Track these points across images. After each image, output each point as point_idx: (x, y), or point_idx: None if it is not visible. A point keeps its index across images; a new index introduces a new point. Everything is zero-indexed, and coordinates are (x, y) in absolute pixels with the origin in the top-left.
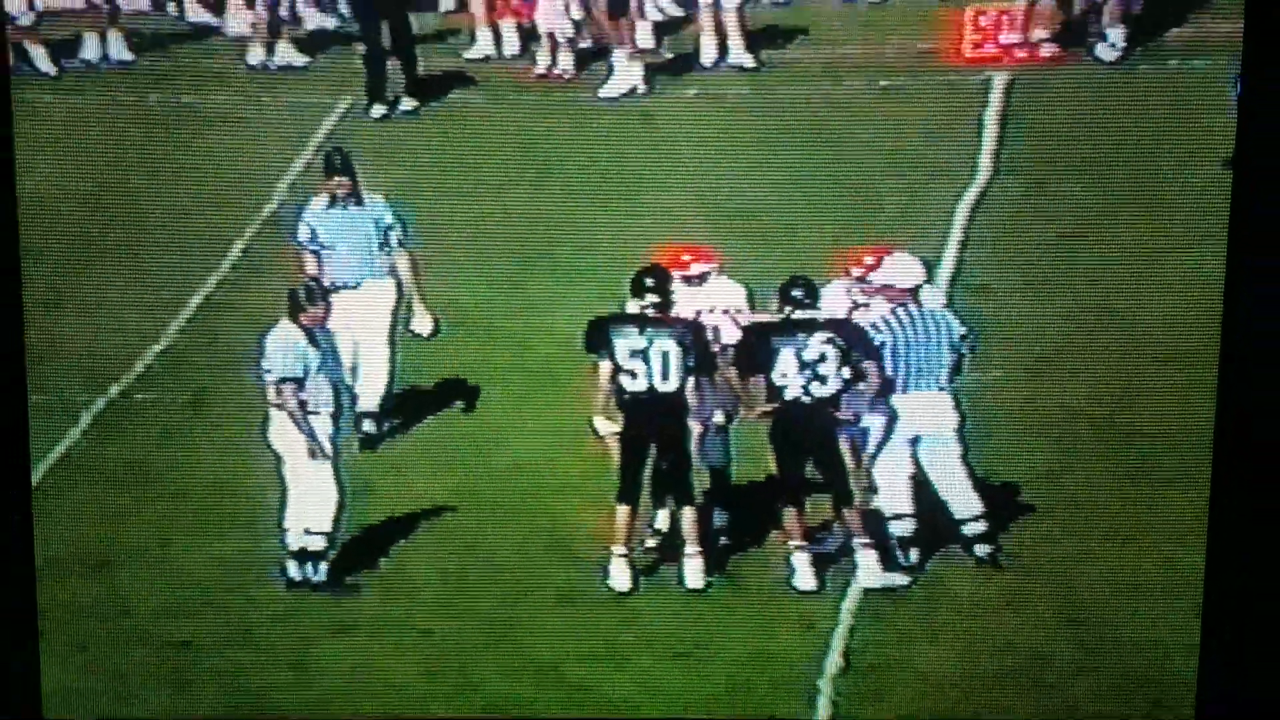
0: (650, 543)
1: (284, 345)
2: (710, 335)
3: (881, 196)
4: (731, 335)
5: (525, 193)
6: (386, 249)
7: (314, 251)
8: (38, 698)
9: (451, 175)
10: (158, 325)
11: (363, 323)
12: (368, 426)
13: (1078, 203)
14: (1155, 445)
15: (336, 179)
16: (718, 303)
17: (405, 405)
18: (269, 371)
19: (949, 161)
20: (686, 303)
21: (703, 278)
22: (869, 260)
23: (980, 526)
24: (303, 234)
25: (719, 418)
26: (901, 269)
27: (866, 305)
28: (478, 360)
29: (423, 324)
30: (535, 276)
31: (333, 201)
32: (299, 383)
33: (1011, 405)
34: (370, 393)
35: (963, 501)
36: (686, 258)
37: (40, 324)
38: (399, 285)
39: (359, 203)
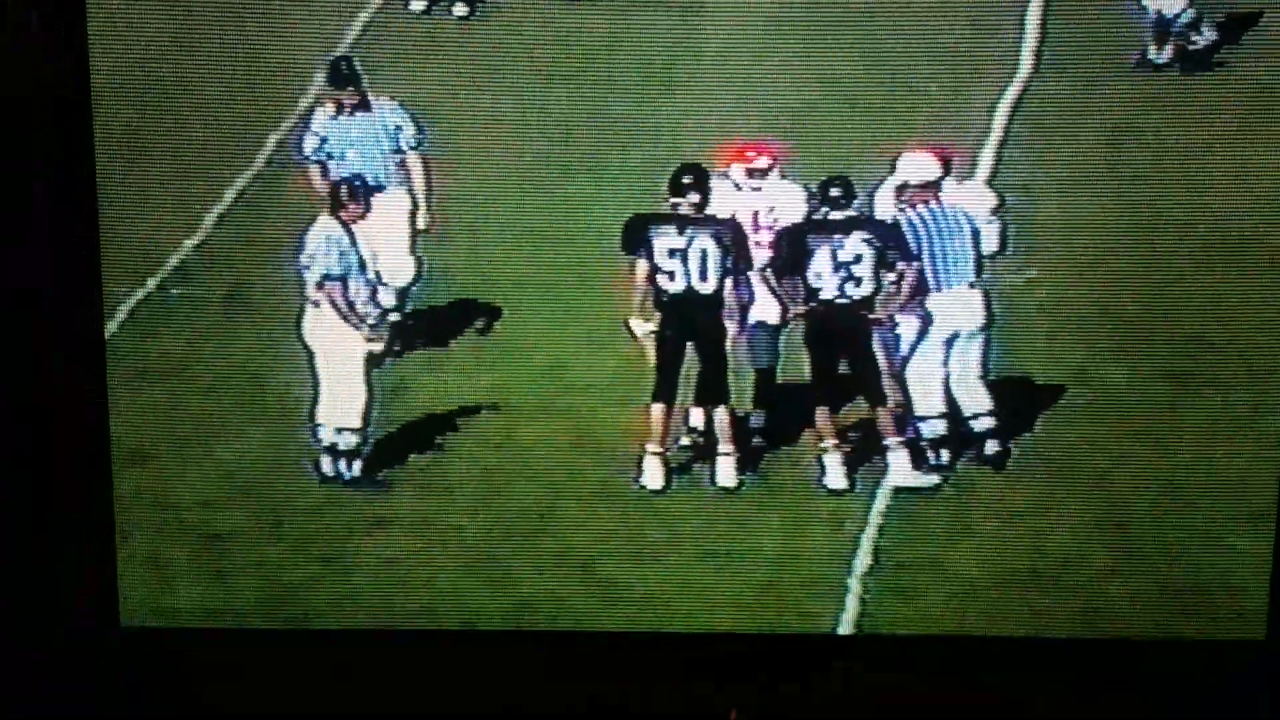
0: (685, 441)
1: (325, 241)
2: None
3: (922, 93)
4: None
5: (564, 91)
6: (399, 153)
7: (320, 161)
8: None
9: (490, 73)
10: (194, 219)
11: (380, 232)
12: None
13: (1121, 103)
14: (1200, 348)
15: (346, 89)
16: (773, 203)
17: (436, 312)
18: (307, 268)
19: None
20: (743, 201)
21: (765, 172)
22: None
23: (989, 422)
24: (309, 145)
25: (766, 317)
26: (916, 167)
27: (901, 210)
28: (514, 261)
29: (422, 222)
30: (573, 176)
31: (339, 110)
32: (343, 280)
33: (1048, 304)
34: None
35: (974, 398)
36: (750, 153)
37: (82, 215)
38: (413, 198)
39: (366, 109)
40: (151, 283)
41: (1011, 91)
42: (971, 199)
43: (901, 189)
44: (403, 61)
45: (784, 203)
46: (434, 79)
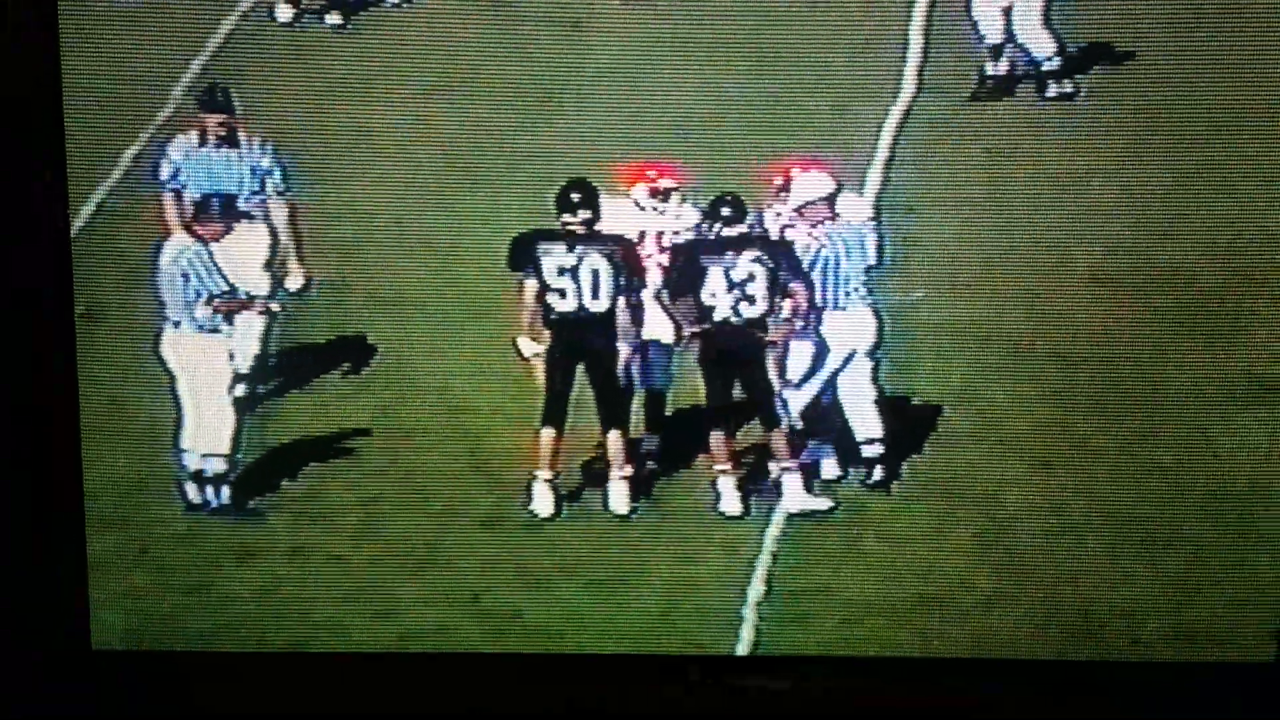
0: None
1: (188, 259)
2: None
3: (809, 111)
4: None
5: (450, 105)
6: (260, 196)
7: (174, 191)
8: None
9: (368, 86)
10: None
11: (243, 256)
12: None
13: (1003, 120)
14: (1080, 370)
15: (215, 116)
16: (675, 225)
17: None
18: (180, 289)
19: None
20: (645, 222)
21: (668, 194)
22: (778, 181)
23: (877, 449)
24: (164, 172)
25: (661, 336)
26: (810, 184)
27: (792, 227)
28: (402, 278)
29: (294, 281)
30: (462, 193)
31: (203, 139)
32: (229, 293)
33: (934, 325)
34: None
35: (863, 421)
36: (652, 173)
37: None
38: (274, 234)
39: (233, 144)
40: None
41: (896, 111)
42: (862, 214)
43: (801, 208)
44: (272, 74)
45: (685, 226)
46: (306, 91)
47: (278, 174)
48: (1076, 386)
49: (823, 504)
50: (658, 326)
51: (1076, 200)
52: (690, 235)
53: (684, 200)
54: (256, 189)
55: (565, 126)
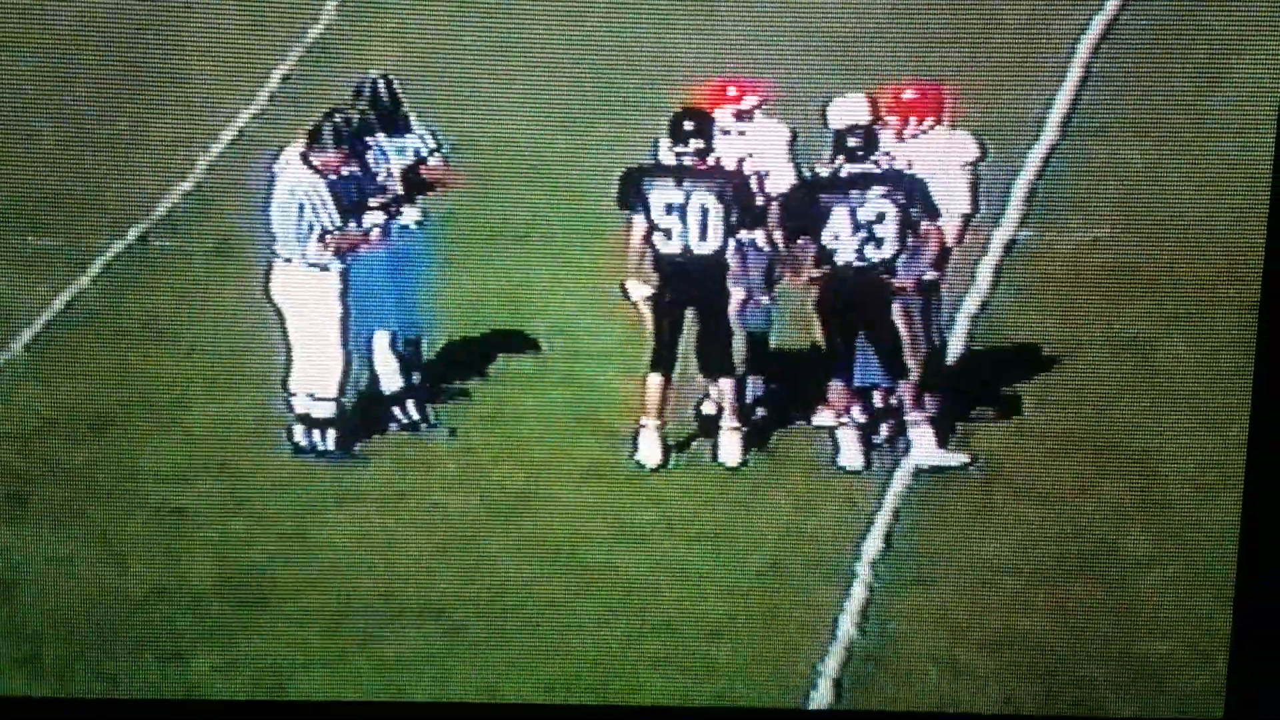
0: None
1: (302, 192)
2: (755, 187)
3: (988, 29)
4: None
5: (559, 32)
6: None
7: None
8: None
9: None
10: (184, 162)
11: None
12: None
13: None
14: (1246, 319)
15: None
16: (756, 147)
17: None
18: (287, 223)
19: None
20: (727, 148)
21: (751, 114)
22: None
23: None
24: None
25: (764, 285)
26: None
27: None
28: (510, 215)
29: (411, 215)
30: (573, 123)
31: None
32: (339, 228)
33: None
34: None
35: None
36: (733, 91)
37: (53, 158)
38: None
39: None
40: (132, 233)
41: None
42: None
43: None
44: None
45: (772, 145)
46: (413, 24)
47: (434, 144)
48: None
49: (956, 459)
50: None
51: None
52: (781, 158)
53: (770, 117)
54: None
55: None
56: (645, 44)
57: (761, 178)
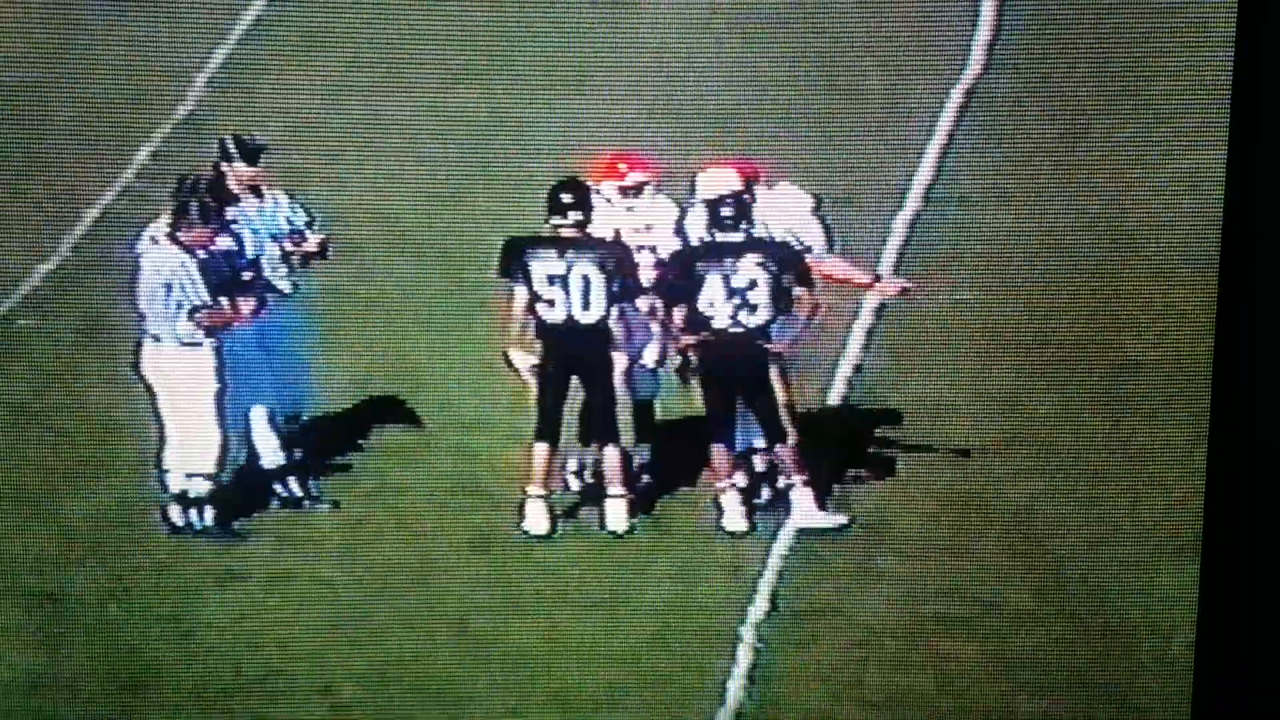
0: (574, 485)
1: (169, 270)
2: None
3: (860, 95)
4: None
5: (464, 95)
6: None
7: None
8: None
9: (378, 72)
10: (49, 241)
11: None
12: None
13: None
14: (1141, 377)
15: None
16: (649, 221)
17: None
18: (155, 302)
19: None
20: (616, 220)
21: (639, 189)
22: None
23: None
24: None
25: (650, 353)
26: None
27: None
28: (391, 286)
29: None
30: (456, 194)
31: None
32: (209, 305)
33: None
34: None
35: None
36: (622, 167)
37: None
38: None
39: (259, 196)
40: None
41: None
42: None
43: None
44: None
45: (660, 221)
46: (300, 94)
47: (306, 219)
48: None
49: (838, 520)
50: (648, 339)
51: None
52: (668, 232)
53: (659, 193)
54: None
55: (584, 119)
56: (526, 117)
57: (644, 249)
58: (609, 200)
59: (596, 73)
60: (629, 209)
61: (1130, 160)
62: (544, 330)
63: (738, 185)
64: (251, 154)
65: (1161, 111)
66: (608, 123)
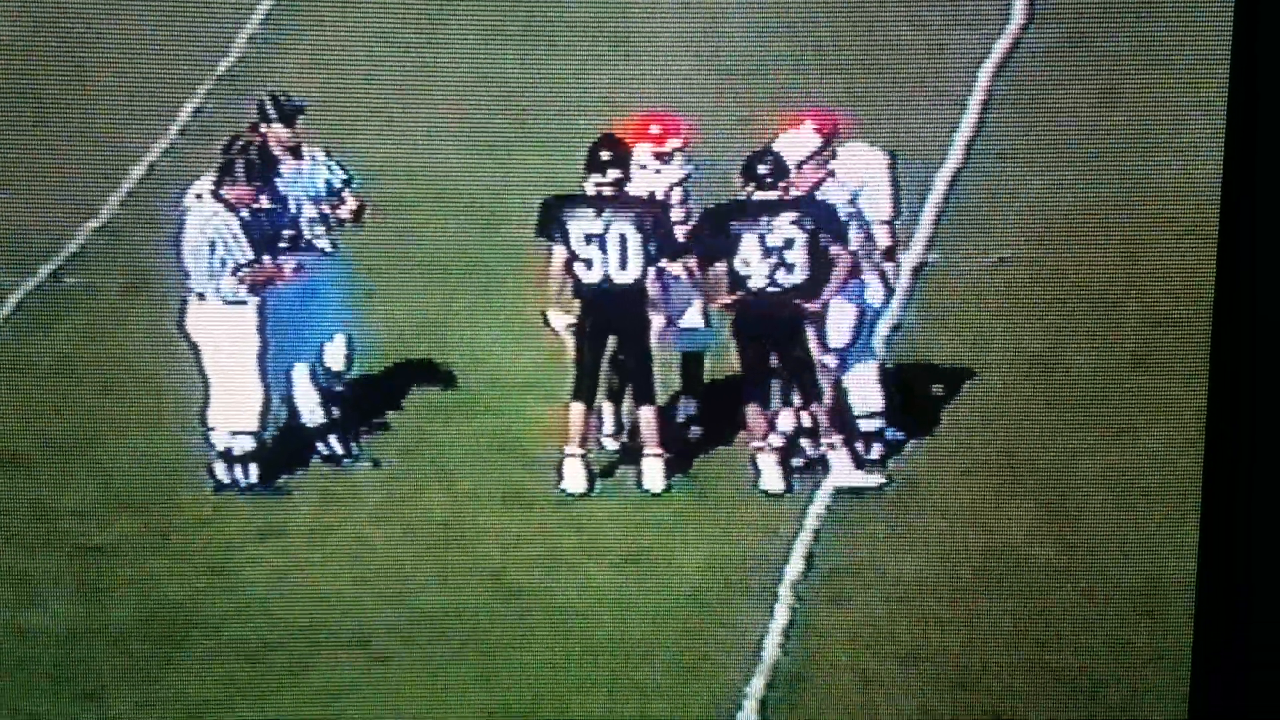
0: (611, 444)
1: (213, 228)
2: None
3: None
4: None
5: (501, 47)
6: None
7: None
8: None
9: (419, 27)
10: (95, 198)
11: None
12: None
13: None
14: (1152, 334)
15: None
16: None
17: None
18: (200, 260)
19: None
20: (645, 183)
21: (672, 155)
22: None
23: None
24: None
25: (692, 314)
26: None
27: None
28: (432, 244)
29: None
30: (505, 148)
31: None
32: (253, 263)
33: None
34: None
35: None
36: (655, 129)
37: None
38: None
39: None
40: (44, 270)
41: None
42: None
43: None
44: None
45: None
46: (337, 54)
47: (344, 177)
48: (1149, 352)
49: (874, 479)
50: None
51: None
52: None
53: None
54: (329, 196)
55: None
56: (565, 75)
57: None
58: (643, 165)
59: (636, 29)
60: (658, 172)
61: (1162, 118)
62: (581, 290)
63: (817, 143)
64: (289, 115)
65: (1189, 66)
66: (647, 79)
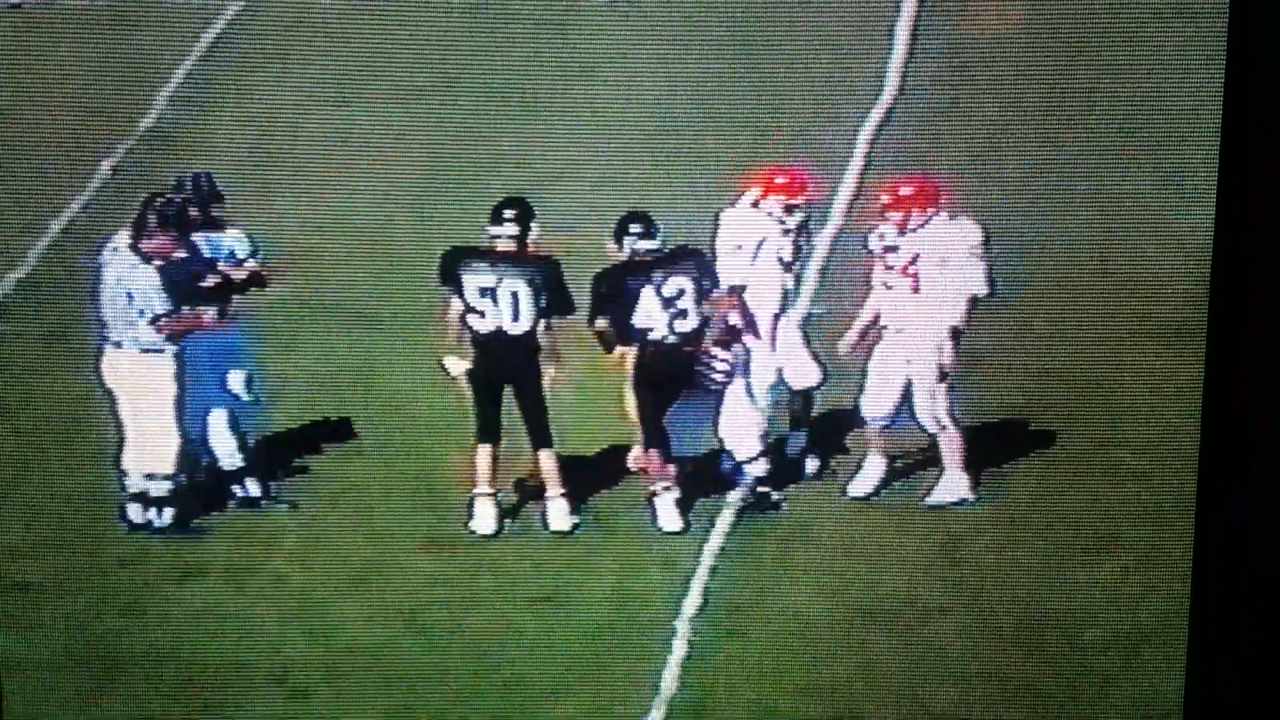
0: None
1: (129, 280)
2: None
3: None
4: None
5: (427, 108)
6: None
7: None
8: None
9: (341, 86)
10: (19, 250)
11: None
12: None
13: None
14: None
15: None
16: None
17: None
18: (117, 311)
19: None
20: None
21: (800, 206)
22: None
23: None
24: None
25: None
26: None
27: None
28: (344, 291)
29: None
30: (406, 202)
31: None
32: (171, 313)
33: None
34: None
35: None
36: (782, 180)
37: None
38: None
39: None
40: None
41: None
42: None
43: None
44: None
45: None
46: (254, 106)
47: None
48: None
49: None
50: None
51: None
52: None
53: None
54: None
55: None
56: (487, 130)
57: None
58: (769, 213)
59: (554, 89)
60: (781, 222)
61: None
62: (476, 338)
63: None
64: (204, 200)
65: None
66: (568, 138)
